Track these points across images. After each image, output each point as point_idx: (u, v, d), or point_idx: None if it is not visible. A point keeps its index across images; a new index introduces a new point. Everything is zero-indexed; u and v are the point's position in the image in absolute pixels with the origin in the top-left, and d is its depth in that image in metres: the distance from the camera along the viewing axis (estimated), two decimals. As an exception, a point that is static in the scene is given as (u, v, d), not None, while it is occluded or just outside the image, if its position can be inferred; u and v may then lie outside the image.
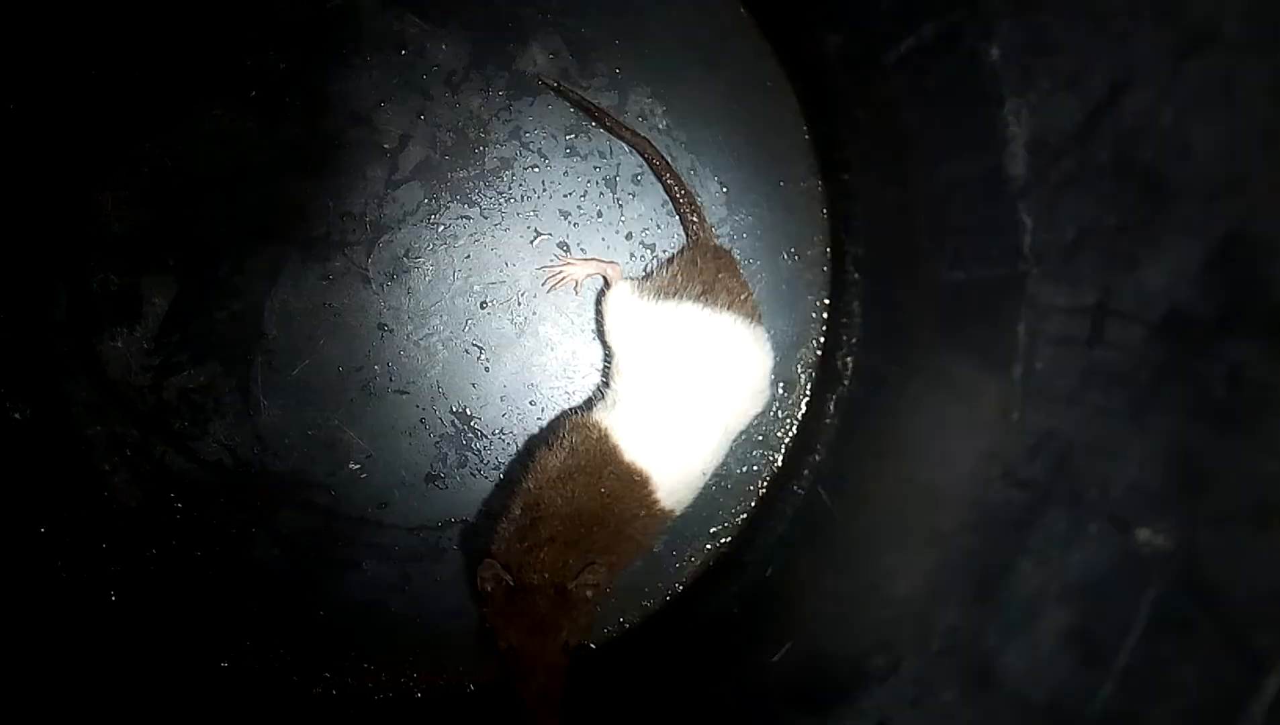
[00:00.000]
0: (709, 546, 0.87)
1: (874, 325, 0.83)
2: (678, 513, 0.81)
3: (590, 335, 0.86)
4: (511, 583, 0.71)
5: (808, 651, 0.69)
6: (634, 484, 0.76)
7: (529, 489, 0.75)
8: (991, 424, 0.62)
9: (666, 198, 0.86)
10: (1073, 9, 0.56)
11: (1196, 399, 0.48)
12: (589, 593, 0.73)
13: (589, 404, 0.82)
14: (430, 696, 0.85)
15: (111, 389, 0.82)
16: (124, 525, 0.82)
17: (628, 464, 0.75)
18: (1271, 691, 0.40)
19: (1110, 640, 0.48)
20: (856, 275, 0.85)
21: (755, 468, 0.87)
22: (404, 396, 0.85)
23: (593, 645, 0.84)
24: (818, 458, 0.84)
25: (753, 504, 0.87)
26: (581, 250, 0.86)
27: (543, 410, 0.86)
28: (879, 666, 0.61)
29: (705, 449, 0.80)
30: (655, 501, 0.77)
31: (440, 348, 0.85)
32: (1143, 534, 0.49)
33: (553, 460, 0.75)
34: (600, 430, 0.76)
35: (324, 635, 0.84)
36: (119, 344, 0.82)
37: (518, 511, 0.74)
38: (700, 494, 0.82)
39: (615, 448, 0.76)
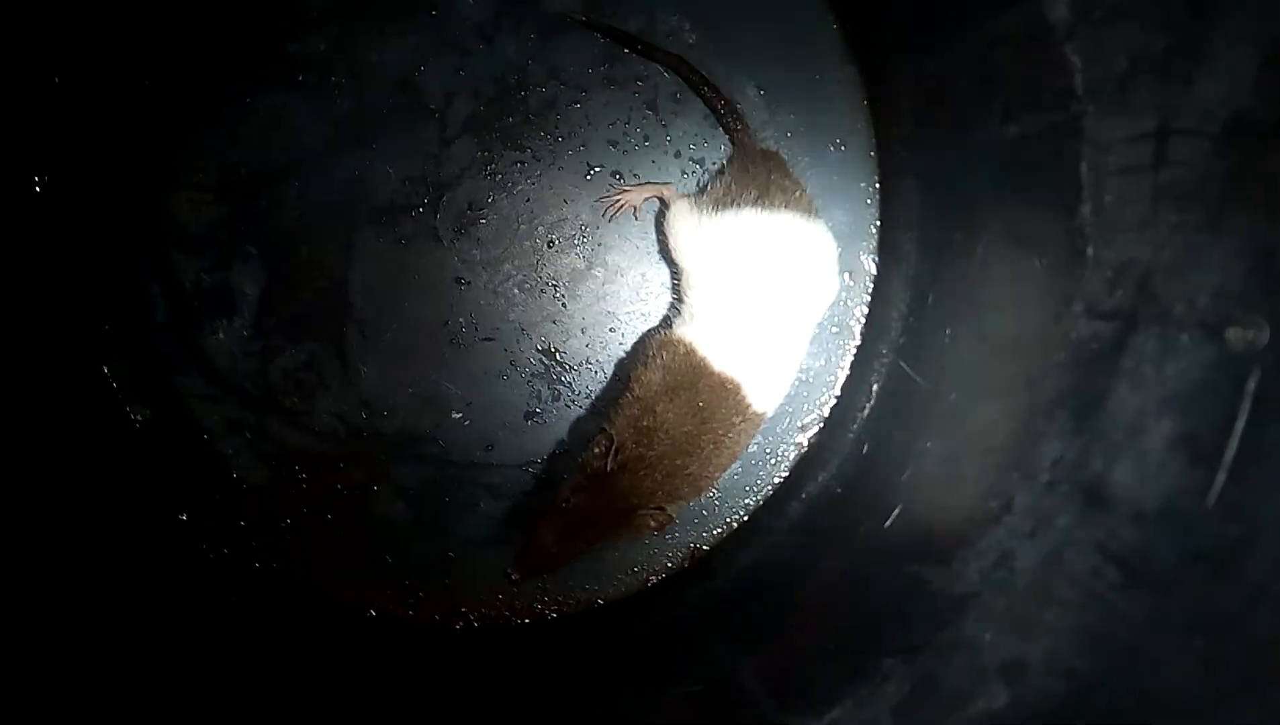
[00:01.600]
0: (801, 439, 0.91)
1: (930, 198, 0.84)
2: (770, 414, 0.85)
3: (657, 257, 0.89)
4: (611, 468, 0.75)
5: (918, 512, 0.73)
6: (728, 393, 0.79)
7: (634, 405, 0.78)
8: (1066, 266, 0.64)
9: (708, 111, 0.88)
10: None
11: (1270, 196, 0.50)
12: (651, 525, 0.78)
13: (667, 322, 0.86)
14: (563, 618, 0.90)
15: (221, 379, 0.87)
16: (256, 502, 0.88)
17: (719, 375, 0.79)
18: (1380, 448, 0.43)
19: (1216, 438, 0.50)
20: (905, 152, 0.86)
21: (834, 356, 0.90)
22: (491, 343, 0.89)
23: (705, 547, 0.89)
24: (895, 335, 0.86)
25: (837, 391, 0.90)
26: (635, 176, 0.89)
27: (623, 336, 0.89)
28: (992, 509, 0.64)
29: (787, 347, 0.83)
30: (749, 406, 0.81)
31: (516, 291, 0.89)
32: (1233, 333, 0.51)
33: (653, 377, 0.79)
34: (686, 346, 0.80)
35: (456, 574, 0.89)
36: (220, 336, 0.87)
37: (628, 433, 0.77)
38: (787, 391, 0.85)
39: (704, 361, 0.79)
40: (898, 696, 0.60)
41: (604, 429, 0.77)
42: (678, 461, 0.79)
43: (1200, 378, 0.53)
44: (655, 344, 0.82)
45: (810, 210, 0.84)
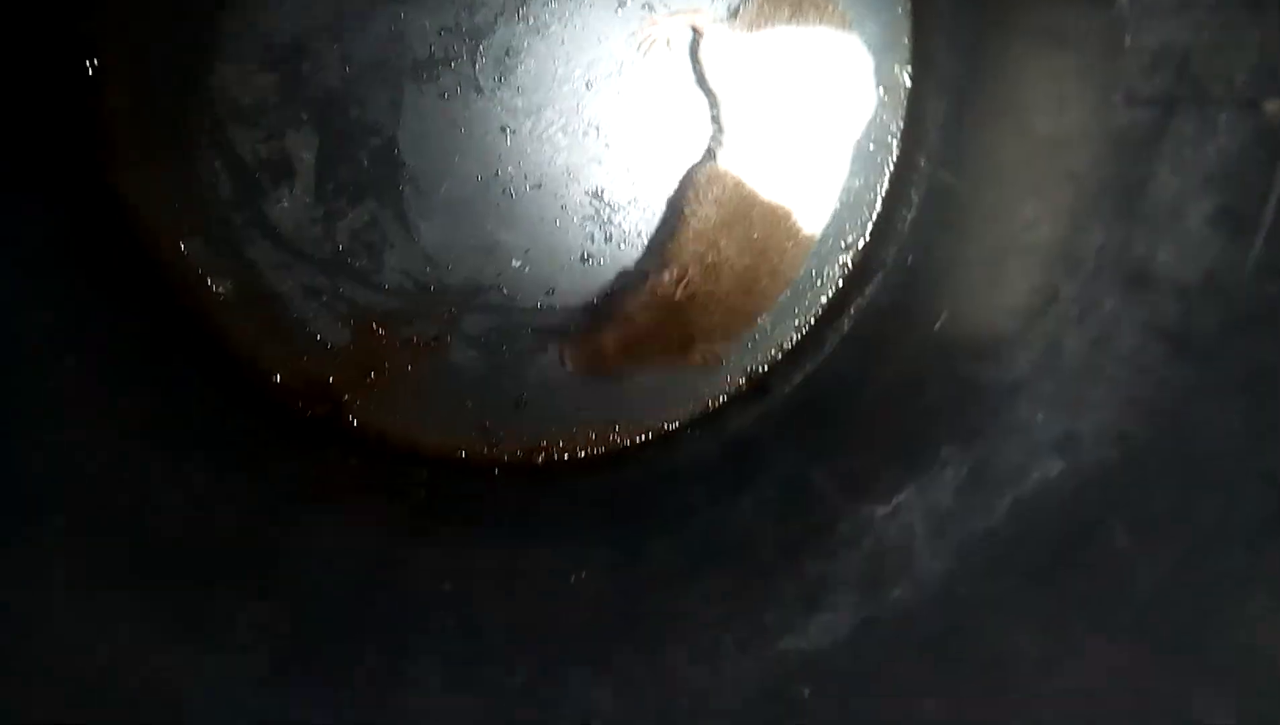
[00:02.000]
0: (846, 258, 0.94)
1: (963, 1, 0.84)
2: (818, 236, 0.88)
3: (695, 88, 0.90)
4: (680, 297, 0.80)
5: (966, 312, 0.77)
6: (779, 220, 0.82)
7: (697, 241, 0.82)
8: (1103, 56, 0.66)
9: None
10: None
11: (1311, -34, 0.51)
12: (699, 361, 0.82)
13: (711, 154, 0.88)
14: (634, 446, 0.96)
15: (290, 246, 0.91)
16: (341, 360, 0.93)
17: (768, 203, 0.82)
18: None
19: (1254, 209, 0.53)
20: (934, -44, 0.86)
21: (873, 173, 0.92)
22: (540, 190, 0.91)
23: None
24: (933, 145, 0.88)
25: (878, 208, 0.93)
26: (665, 6, 0.89)
27: (669, 172, 0.91)
28: (1037, 303, 0.68)
29: (829, 167, 0.85)
30: (799, 231, 0.84)
31: (560, 136, 0.91)
32: (1272, 106, 0.53)
33: (709, 211, 0.82)
34: (735, 178, 0.82)
35: (531, 414, 0.95)
36: (285, 204, 0.91)
37: (695, 266, 0.81)
38: (832, 211, 0.88)
39: (753, 191, 0.82)
40: (956, 479, 0.66)
41: (676, 259, 0.81)
42: (738, 299, 0.83)
43: (1238, 153, 0.55)
44: (704, 178, 0.84)
45: (844, 26, 0.84)
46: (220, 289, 0.92)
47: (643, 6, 0.89)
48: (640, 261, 0.92)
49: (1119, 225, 0.63)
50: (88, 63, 0.87)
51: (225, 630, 0.64)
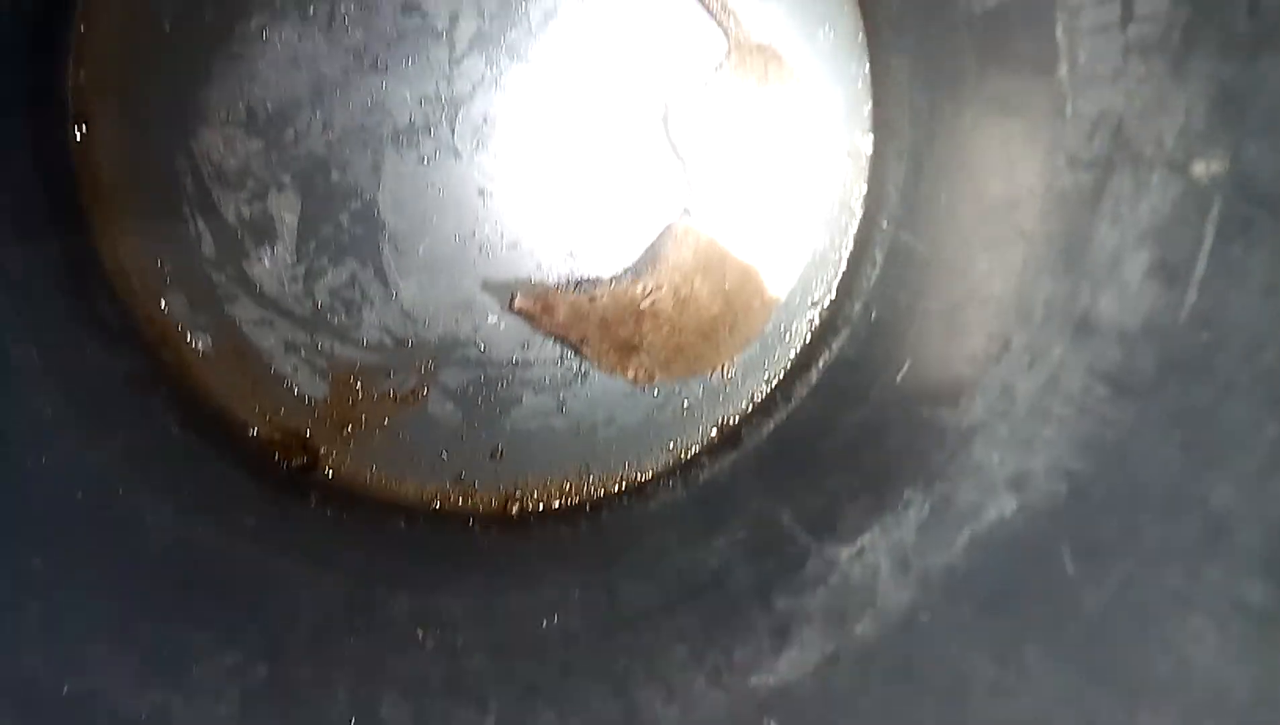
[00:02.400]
0: (813, 314, 0.98)
1: (919, 73, 0.89)
2: (784, 299, 0.92)
3: (668, 154, 0.94)
4: (642, 306, 0.83)
5: (926, 363, 0.80)
6: (749, 278, 0.86)
7: (674, 273, 0.85)
8: (1048, 123, 0.70)
9: (702, 9, 0.92)
10: None
11: (1224, 40, 0.56)
12: (633, 373, 0.85)
13: (688, 213, 0.92)
14: (609, 495, 0.98)
15: (271, 303, 0.94)
16: (319, 413, 0.95)
17: (739, 261, 0.85)
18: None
19: (1187, 260, 0.57)
20: (891, 34, 0.91)
21: (838, 234, 0.97)
22: (516, 249, 0.95)
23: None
24: (894, 207, 0.92)
25: (844, 266, 0.97)
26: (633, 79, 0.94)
27: (643, 230, 0.95)
28: (992, 351, 0.72)
29: (797, 231, 0.89)
30: (765, 291, 0.88)
31: (536, 198, 0.94)
32: (1198, 167, 0.57)
33: (685, 256, 0.85)
34: (708, 236, 0.86)
35: (507, 464, 0.97)
36: (266, 263, 0.93)
37: (668, 292, 0.84)
38: (800, 273, 0.92)
39: (725, 250, 0.86)
40: (918, 518, 0.69)
41: (652, 276, 0.85)
42: (694, 340, 0.86)
43: (1170, 211, 0.59)
44: (681, 231, 0.88)
45: (807, 95, 0.89)
46: (200, 345, 0.94)
47: (614, 76, 0.93)
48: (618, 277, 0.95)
49: (1065, 278, 0.67)
50: (75, 129, 0.90)
51: (197, 674, 0.65)
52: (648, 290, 0.84)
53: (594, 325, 0.84)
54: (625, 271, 0.94)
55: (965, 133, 0.82)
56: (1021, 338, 0.69)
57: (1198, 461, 0.53)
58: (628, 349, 0.85)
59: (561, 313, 0.85)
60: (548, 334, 0.90)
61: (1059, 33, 0.68)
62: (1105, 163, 0.65)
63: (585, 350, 0.88)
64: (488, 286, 0.94)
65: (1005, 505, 0.63)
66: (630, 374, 0.86)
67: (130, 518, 0.80)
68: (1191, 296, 0.57)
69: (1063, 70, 0.69)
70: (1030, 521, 0.61)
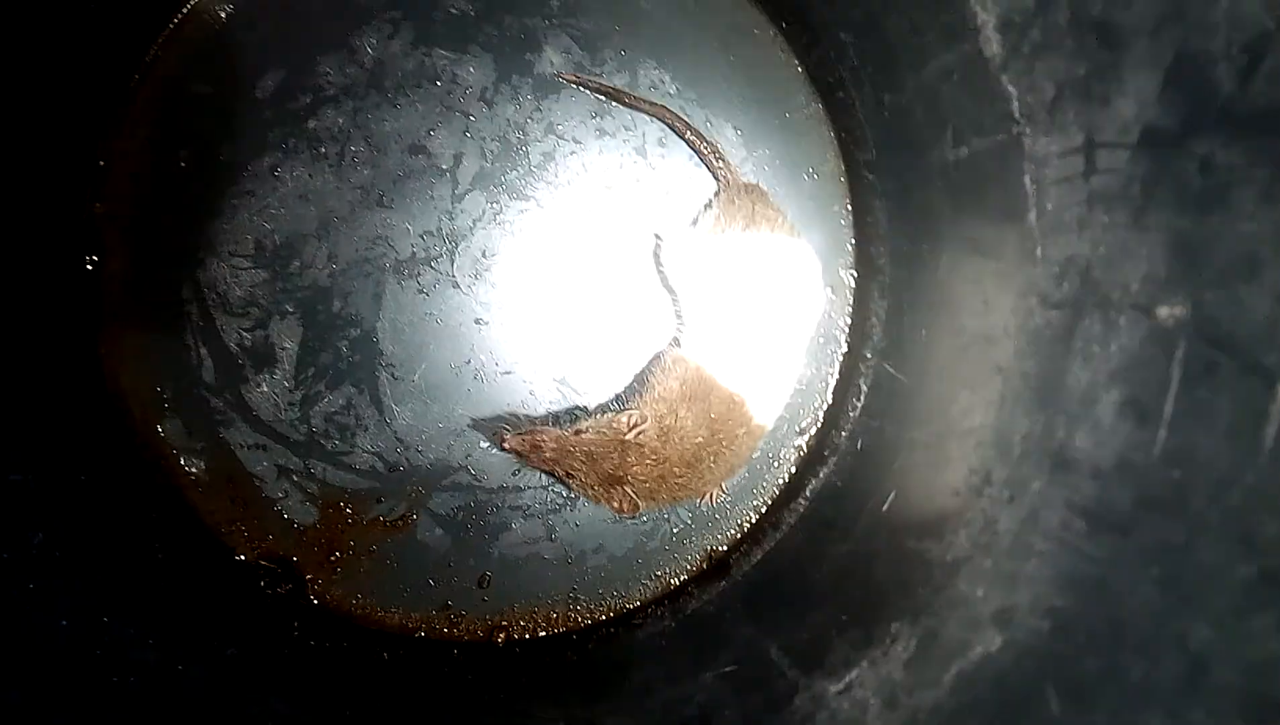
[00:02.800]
0: (800, 442, 0.99)
1: (898, 215, 0.94)
2: (770, 427, 0.93)
3: (658, 287, 0.98)
4: (629, 439, 0.84)
5: (912, 494, 0.81)
6: (735, 407, 0.88)
7: (660, 403, 0.87)
8: (1020, 265, 0.74)
9: (693, 153, 0.97)
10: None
11: (1180, 194, 0.60)
12: (618, 504, 0.86)
13: (676, 343, 0.95)
14: (596, 624, 0.97)
15: (267, 428, 0.95)
16: (307, 541, 0.95)
17: (726, 390, 0.87)
18: (1283, 395, 0.52)
19: (1156, 400, 0.59)
20: (871, 176, 0.96)
21: (824, 364, 0.99)
22: (510, 376, 0.97)
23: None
24: (876, 339, 0.95)
25: (829, 396, 0.99)
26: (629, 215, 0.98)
27: (631, 361, 0.98)
28: (974, 483, 0.73)
29: (783, 361, 0.92)
30: (752, 419, 0.89)
31: (530, 328, 0.97)
32: (1162, 311, 0.60)
33: (672, 385, 0.87)
34: (695, 364, 0.88)
35: (494, 592, 0.96)
36: (264, 388, 0.95)
37: (653, 423, 0.86)
38: (785, 402, 0.94)
39: (712, 378, 0.88)
40: (906, 653, 0.68)
41: (638, 408, 0.86)
42: (678, 470, 0.87)
43: (1138, 352, 0.62)
44: (670, 360, 0.90)
45: (792, 234, 0.93)
46: (193, 468, 0.95)
47: (607, 214, 0.98)
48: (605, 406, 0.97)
49: (1041, 414, 0.69)
50: (87, 259, 0.93)
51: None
52: (634, 422, 0.86)
53: (580, 459, 0.86)
54: (613, 399, 0.96)
55: (943, 271, 0.86)
56: (1001, 472, 0.71)
57: (1175, 600, 0.54)
58: (613, 481, 0.86)
59: (549, 450, 0.87)
60: (535, 469, 0.92)
61: (1027, 182, 0.73)
62: (1075, 304, 0.68)
63: (572, 483, 0.89)
64: (478, 424, 0.96)
65: (991, 641, 0.63)
66: (615, 505, 0.87)
67: (113, 650, 0.79)
68: (1162, 435, 0.58)
69: (1032, 217, 0.72)
70: (1016, 659, 0.61)
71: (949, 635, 0.66)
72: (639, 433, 0.85)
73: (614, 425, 0.86)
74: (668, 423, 0.86)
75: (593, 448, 0.85)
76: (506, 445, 0.89)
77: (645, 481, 0.87)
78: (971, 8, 0.72)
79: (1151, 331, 0.61)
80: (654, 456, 0.85)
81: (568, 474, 0.87)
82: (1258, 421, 0.53)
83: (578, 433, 0.87)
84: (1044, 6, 0.67)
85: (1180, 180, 0.60)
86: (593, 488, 0.87)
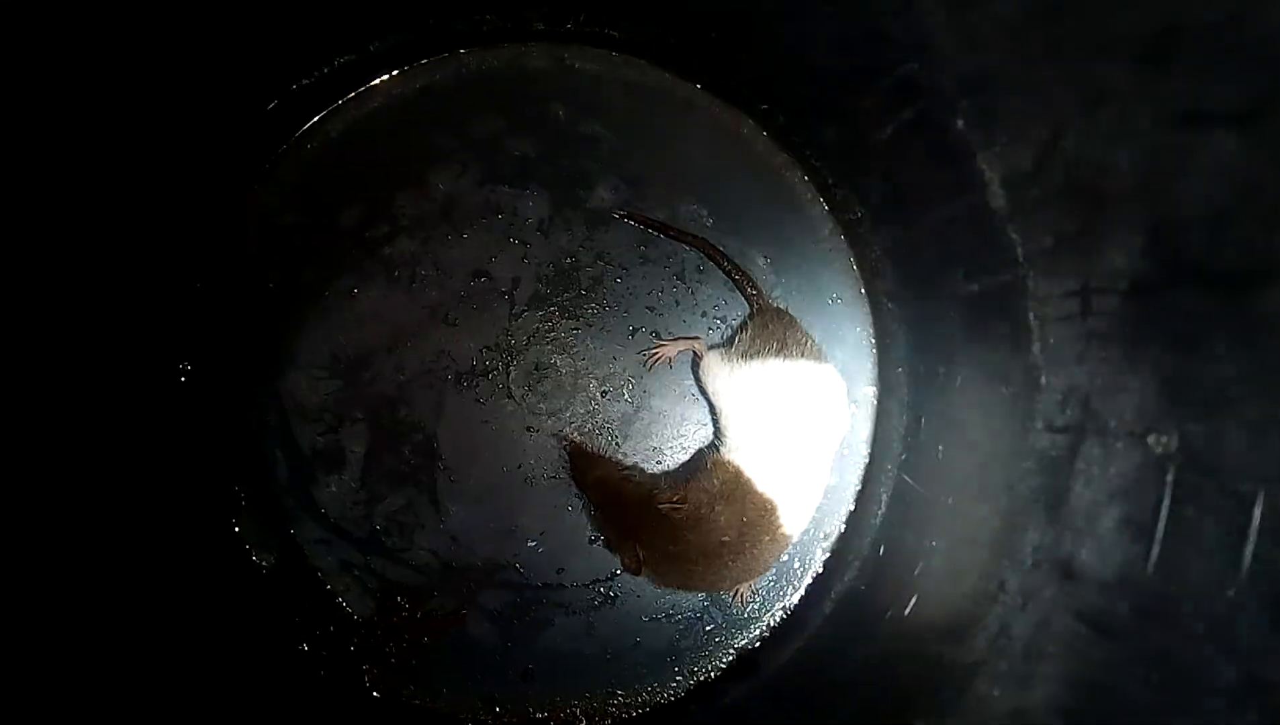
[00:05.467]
0: (826, 546, 1.06)
1: (915, 340, 1.03)
2: (796, 538, 1.00)
3: (693, 399, 1.07)
4: (664, 510, 0.93)
5: (932, 599, 0.88)
6: (767, 511, 0.95)
7: (699, 493, 0.95)
8: (1027, 391, 0.82)
9: (728, 279, 1.07)
10: (1009, 85, 0.78)
11: (1164, 337, 0.68)
12: (627, 560, 0.94)
13: (715, 448, 1.02)
14: (629, 720, 1.03)
15: (333, 525, 1.03)
16: (365, 632, 1.02)
17: (761, 494, 0.95)
18: (1259, 518, 0.59)
19: (1149, 519, 0.67)
20: (890, 304, 1.05)
21: (847, 474, 1.07)
22: (557, 479, 1.05)
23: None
24: (897, 452, 1.03)
25: (852, 504, 1.07)
26: (670, 333, 1.07)
27: (669, 467, 1.06)
28: (990, 590, 0.80)
29: (811, 471, 0.99)
30: (780, 528, 0.96)
31: (578, 435, 1.06)
32: (1152, 439, 0.68)
33: (711, 483, 0.95)
34: (735, 466, 0.96)
35: (537, 685, 1.03)
36: (333, 488, 1.03)
37: (690, 508, 0.93)
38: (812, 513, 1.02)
39: (750, 480, 0.95)
40: (928, 751, 0.74)
41: (681, 488, 0.95)
42: (695, 557, 0.94)
43: (1134, 474, 0.70)
44: (711, 461, 0.98)
45: (819, 356, 1.02)
46: (264, 562, 1.03)
47: (651, 332, 1.07)
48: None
49: (1049, 528, 0.77)
50: (180, 367, 1.03)
51: None
52: (672, 498, 0.93)
53: (612, 497, 0.94)
54: (661, 474, 1.04)
55: (957, 393, 0.94)
56: (1014, 580, 0.78)
57: (1168, 702, 0.60)
58: (630, 534, 0.93)
59: (593, 474, 0.96)
60: (573, 481, 1.01)
61: (1031, 318, 0.81)
62: (1077, 429, 0.76)
63: (597, 513, 0.97)
64: (529, 514, 1.04)
65: (1006, 738, 0.69)
66: (624, 558, 0.94)
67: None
68: (1155, 551, 0.66)
69: (1036, 349, 0.81)
70: (1030, 754, 0.67)
71: (968, 732, 0.72)
72: (673, 508, 0.92)
73: (653, 494, 0.94)
74: (703, 513, 0.93)
75: (628, 494, 0.93)
76: (566, 445, 0.96)
77: (664, 561, 0.94)
78: (979, 165, 0.83)
79: (1145, 457, 0.69)
80: (681, 540, 0.92)
81: (597, 506, 0.95)
82: (1238, 540, 0.60)
83: (624, 474, 0.95)
84: (1041, 169, 0.77)
85: (1164, 324, 0.68)
86: (611, 530, 0.95)
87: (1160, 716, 0.61)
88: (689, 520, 0.92)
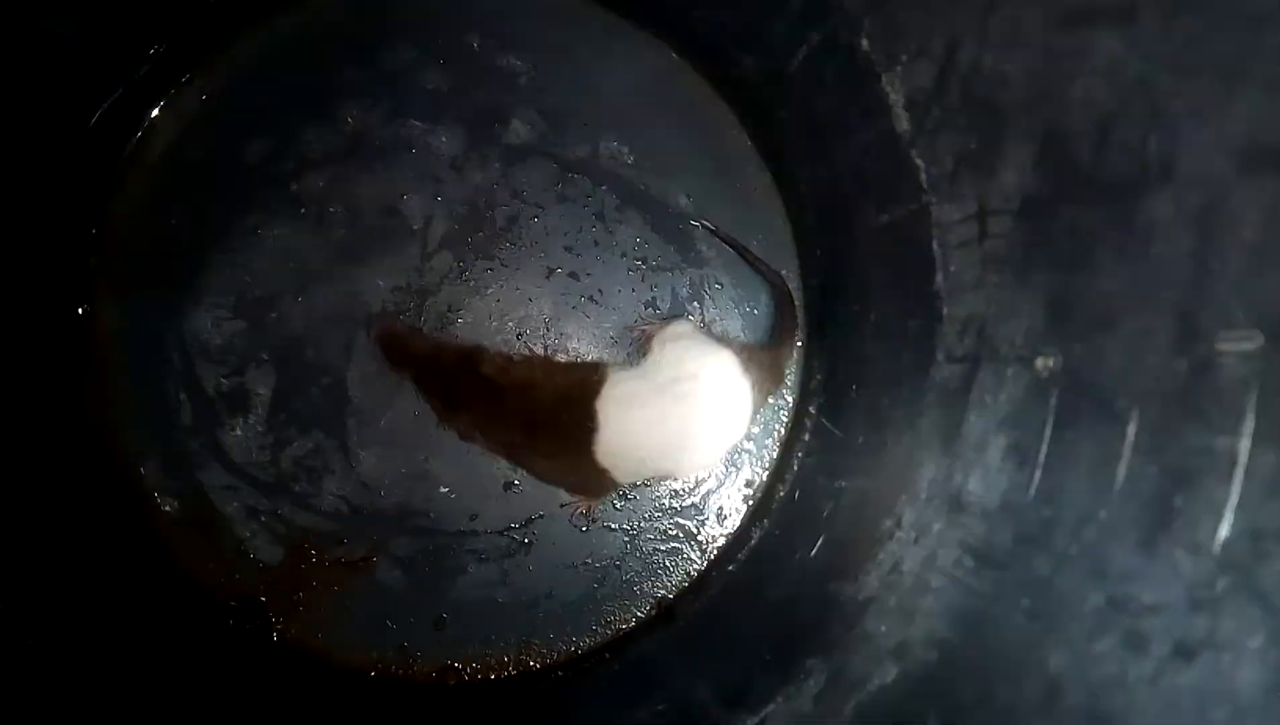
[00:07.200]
0: (746, 494, 1.04)
1: (834, 278, 1.00)
2: (622, 483, 0.97)
3: (609, 342, 1.03)
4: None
5: (835, 540, 0.85)
6: (582, 430, 0.90)
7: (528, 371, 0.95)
8: (929, 323, 0.79)
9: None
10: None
11: (1052, 256, 0.65)
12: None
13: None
14: (545, 668, 1.01)
15: (238, 470, 1.01)
16: (272, 578, 1.00)
17: (590, 414, 0.90)
18: (1132, 435, 0.56)
19: (1033, 445, 0.64)
20: (813, 241, 1.02)
21: (772, 423, 1.04)
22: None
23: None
24: (818, 397, 1.00)
25: (776, 450, 1.04)
26: (588, 274, 1.04)
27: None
28: (888, 527, 0.77)
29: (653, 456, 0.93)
30: (597, 451, 0.90)
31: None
32: (1039, 362, 0.65)
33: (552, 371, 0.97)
34: (589, 381, 0.92)
35: (449, 634, 1.00)
36: (238, 432, 1.01)
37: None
38: (732, 450, 1.00)
39: (585, 396, 0.92)
40: (816, 688, 0.72)
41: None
42: (520, 432, 0.93)
43: (1021, 399, 0.67)
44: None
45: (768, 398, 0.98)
46: (169, 507, 1.00)
47: (569, 274, 1.04)
48: (558, 493, 1.01)
49: (944, 461, 0.74)
50: (79, 308, 1.00)
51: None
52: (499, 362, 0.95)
53: (433, 368, 0.96)
54: (552, 504, 1.02)
55: (870, 330, 0.91)
56: (910, 515, 0.75)
57: (1039, 628, 0.58)
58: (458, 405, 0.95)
59: (412, 350, 0.98)
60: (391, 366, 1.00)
61: (935, 246, 0.78)
62: (973, 358, 0.73)
63: (423, 390, 0.98)
64: (441, 459, 1.01)
65: (887, 673, 0.66)
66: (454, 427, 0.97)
67: (75, 670, 0.84)
68: (1037, 477, 0.63)
69: (939, 278, 0.78)
70: (906, 690, 0.64)
71: (854, 669, 0.70)
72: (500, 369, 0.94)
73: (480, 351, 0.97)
74: (526, 379, 0.94)
75: (450, 362, 0.96)
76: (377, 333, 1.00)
77: (484, 417, 0.94)
78: (883, 87, 0.79)
79: (1032, 382, 0.66)
80: (499, 401, 0.93)
81: (421, 382, 0.98)
82: (1112, 460, 0.57)
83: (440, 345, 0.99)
84: (940, 87, 0.73)
85: (1052, 244, 0.65)
86: (437, 402, 0.97)
87: (1029, 644, 0.58)
88: (512, 385, 0.92)
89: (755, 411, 0.94)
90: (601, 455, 0.90)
